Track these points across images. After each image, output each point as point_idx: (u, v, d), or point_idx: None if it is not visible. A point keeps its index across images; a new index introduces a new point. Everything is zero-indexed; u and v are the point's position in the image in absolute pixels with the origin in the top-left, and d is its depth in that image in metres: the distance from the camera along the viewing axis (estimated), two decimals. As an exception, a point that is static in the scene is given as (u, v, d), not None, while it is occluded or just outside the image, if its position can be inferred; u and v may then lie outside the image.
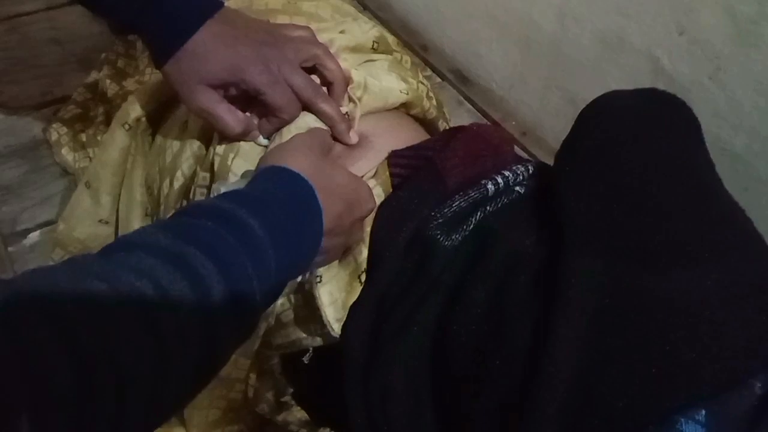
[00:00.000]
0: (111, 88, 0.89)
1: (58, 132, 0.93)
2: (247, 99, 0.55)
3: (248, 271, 0.37)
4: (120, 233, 0.68)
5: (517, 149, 1.03)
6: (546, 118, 1.02)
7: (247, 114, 0.57)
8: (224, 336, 0.38)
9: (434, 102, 0.68)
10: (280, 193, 0.43)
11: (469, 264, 0.50)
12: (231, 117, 0.54)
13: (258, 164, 0.46)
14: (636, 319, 0.43)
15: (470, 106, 1.10)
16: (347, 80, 0.57)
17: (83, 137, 0.91)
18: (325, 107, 0.55)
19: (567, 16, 0.91)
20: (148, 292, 0.33)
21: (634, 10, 0.82)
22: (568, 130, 0.95)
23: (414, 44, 1.20)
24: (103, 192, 0.70)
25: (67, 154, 0.91)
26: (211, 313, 0.36)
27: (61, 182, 0.92)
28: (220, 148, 0.56)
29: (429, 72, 1.16)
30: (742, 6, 0.68)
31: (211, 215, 0.39)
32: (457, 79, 1.14)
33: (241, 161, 0.54)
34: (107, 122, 0.91)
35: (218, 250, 0.36)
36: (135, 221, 0.67)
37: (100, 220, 0.72)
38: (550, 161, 0.99)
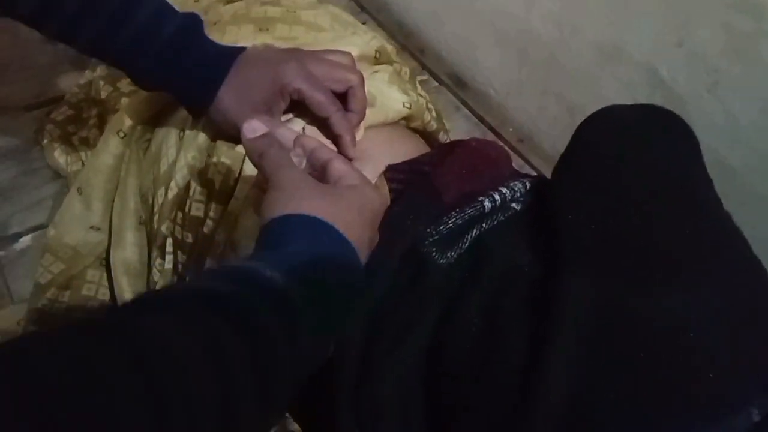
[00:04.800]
0: (105, 89, 0.88)
1: (50, 134, 0.92)
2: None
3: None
4: (113, 242, 0.68)
5: (513, 156, 1.03)
6: (543, 126, 1.02)
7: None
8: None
9: (434, 113, 0.67)
10: (318, 256, 0.39)
11: (464, 282, 0.50)
12: (289, 134, 0.54)
13: (263, 208, 0.43)
14: (628, 342, 0.42)
15: (467, 112, 1.10)
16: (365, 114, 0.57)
17: (75, 140, 0.90)
18: (340, 118, 0.55)
19: (565, 25, 0.91)
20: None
21: (633, 21, 0.81)
22: (566, 139, 0.95)
23: (411, 47, 1.19)
24: (95, 198, 0.69)
25: (59, 157, 0.90)
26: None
27: (52, 185, 0.91)
28: (222, 167, 0.56)
29: (426, 76, 1.15)
30: (739, 22, 0.68)
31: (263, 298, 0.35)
32: (455, 83, 1.13)
33: (244, 185, 0.54)
34: (100, 124, 0.90)
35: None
36: (128, 230, 0.66)
37: (91, 227, 0.71)
38: (547, 169, 1.01)
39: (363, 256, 0.42)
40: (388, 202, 0.46)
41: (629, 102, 0.85)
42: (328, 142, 0.57)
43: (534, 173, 1.00)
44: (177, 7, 0.56)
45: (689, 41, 0.75)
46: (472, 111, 1.09)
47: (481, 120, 1.08)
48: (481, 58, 1.10)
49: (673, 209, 0.47)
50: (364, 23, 1.24)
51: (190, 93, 0.55)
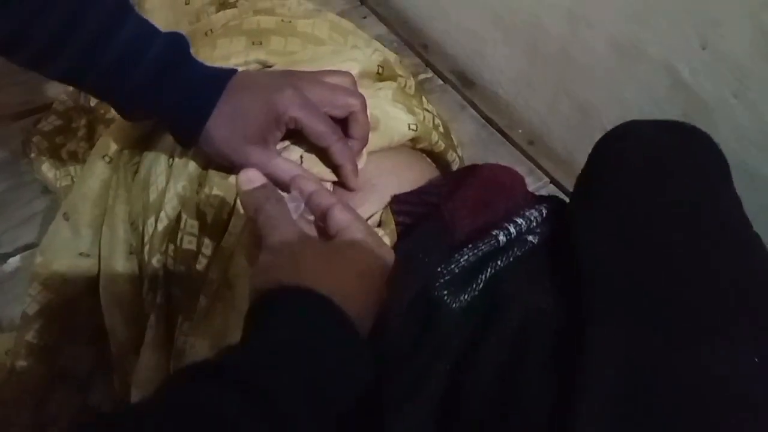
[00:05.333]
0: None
1: (38, 146, 0.88)
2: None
3: None
4: (103, 272, 0.63)
5: (523, 159, 0.98)
6: (555, 127, 0.97)
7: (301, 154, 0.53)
8: None
9: (441, 128, 0.63)
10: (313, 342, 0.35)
11: (479, 329, 0.46)
12: (285, 166, 0.50)
13: (254, 273, 0.38)
14: (668, 404, 0.38)
15: (474, 112, 1.04)
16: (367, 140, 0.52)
17: (64, 153, 0.86)
18: (341, 148, 0.50)
19: (579, 21, 0.86)
20: None
21: (652, 18, 0.76)
22: (579, 140, 0.90)
23: (414, 43, 1.14)
24: (83, 225, 0.65)
25: (47, 171, 0.85)
26: None
27: (43, 200, 0.87)
28: (214, 199, 0.51)
29: (430, 74, 1.10)
30: (774, 22, 0.63)
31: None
32: (460, 81, 1.08)
33: (238, 220, 0.49)
34: (89, 135, 0.86)
35: None
36: (119, 261, 0.62)
37: (80, 253, 0.67)
38: (559, 172, 0.96)
39: (367, 322, 0.38)
40: (393, 258, 0.42)
41: (648, 104, 0.81)
42: (327, 171, 0.52)
43: (546, 178, 0.95)
44: (159, 27, 0.52)
45: (715, 41, 0.70)
46: (478, 111, 1.04)
47: (489, 121, 1.02)
48: (489, 54, 1.05)
49: (709, 247, 0.42)
50: (364, 18, 1.19)
51: (177, 123, 0.50)
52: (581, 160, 0.79)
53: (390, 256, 0.41)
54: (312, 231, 0.43)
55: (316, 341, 0.33)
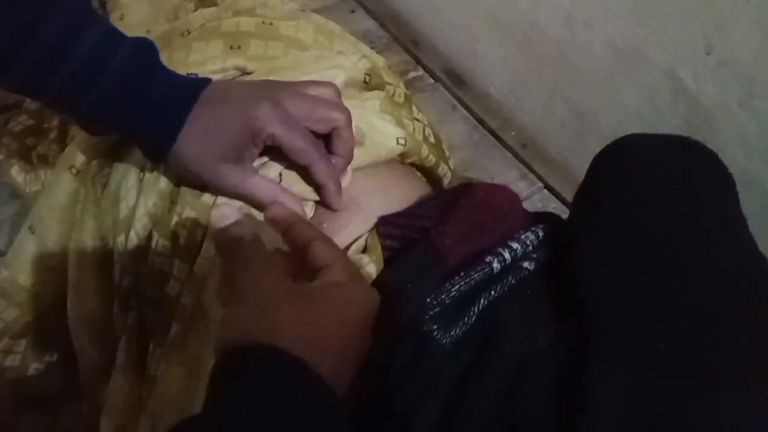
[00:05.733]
0: (65, 97, 0.79)
1: (7, 148, 0.83)
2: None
3: None
4: (71, 290, 0.59)
5: (516, 163, 0.94)
6: (549, 130, 0.93)
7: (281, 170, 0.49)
8: None
9: (432, 140, 0.59)
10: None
11: (472, 366, 0.43)
12: (263, 186, 0.46)
13: (224, 324, 0.35)
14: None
15: (465, 112, 1.01)
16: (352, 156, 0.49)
17: (34, 156, 0.81)
18: (323, 166, 0.47)
19: (577, 21, 0.82)
20: None
21: (655, 21, 0.72)
22: (575, 146, 0.87)
23: (404, 39, 1.10)
24: (50, 239, 0.61)
25: (17, 175, 0.81)
26: None
27: (11, 206, 0.82)
28: (186, 220, 0.47)
29: (420, 72, 1.06)
30: (784, 29, 0.60)
31: None
32: (452, 80, 1.04)
33: (211, 243, 0.45)
34: (61, 137, 0.82)
35: None
36: (88, 279, 0.58)
37: (48, 268, 0.63)
38: (553, 177, 0.93)
39: (346, 375, 0.34)
40: (378, 302, 0.38)
41: (648, 110, 0.78)
42: (309, 190, 0.49)
43: (539, 183, 0.92)
44: (136, 22, 0.48)
45: (720, 47, 0.67)
46: (470, 111, 1.00)
47: (481, 121, 0.99)
48: (482, 53, 1.01)
49: (724, 288, 0.39)
50: (352, 12, 1.14)
51: (144, 139, 0.46)
52: (576, 165, 0.76)
53: (375, 300, 0.38)
54: (288, 265, 0.40)
55: (282, 417, 0.29)
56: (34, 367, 0.67)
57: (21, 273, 0.64)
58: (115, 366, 0.57)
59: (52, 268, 0.64)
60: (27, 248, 0.63)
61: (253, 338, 0.31)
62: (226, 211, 0.39)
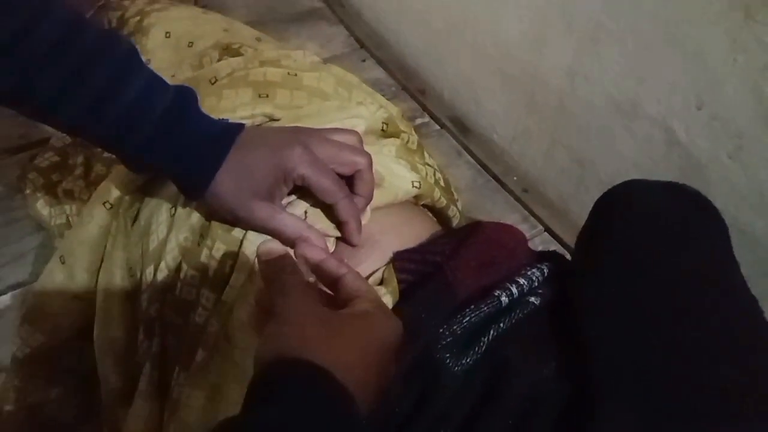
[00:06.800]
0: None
1: (33, 183, 0.87)
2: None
3: None
4: (98, 318, 0.62)
5: (517, 206, 0.99)
6: (550, 176, 0.98)
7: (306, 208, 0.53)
8: None
9: (442, 184, 0.63)
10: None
11: (481, 395, 0.46)
12: (290, 222, 0.50)
13: (261, 340, 0.38)
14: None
15: (469, 158, 1.06)
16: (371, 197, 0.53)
17: (60, 191, 0.85)
18: (347, 205, 0.51)
19: (577, 75, 0.87)
20: None
21: (650, 77, 0.77)
22: (574, 192, 0.91)
23: (412, 88, 1.15)
24: (79, 269, 0.64)
25: (42, 209, 0.85)
26: None
27: (35, 238, 0.86)
28: (216, 252, 0.51)
29: (427, 118, 1.11)
30: (770, 88, 0.64)
31: None
32: (457, 128, 1.09)
33: (240, 274, 0.49)
34: (86, 173, 0.86)
35: None
36: (115, 307, 0.61)
37: (74, 297, 0.66)
38: (553, 220, 0.97)
39: (369, 395, 0.37)
40: (402, 331, 0.41)
41: (644, 160, 0.83)
42: (331, 227, 0.52)
43: (540, 226, 0.96)
44: (160, 67, 0.52)
45: (711, 103, 0.71)
46: (474, 157, 1.05)
47: (485, 167, 1.03)
48: (485, 102, 1.06)
49: (722, 328, 0.42)
50: (363, 61, 1.20)
51: (184, 177, 0.50)
52: (576, 209, 0.80)
53: (399, 330, 0.41)
54: (321, 295, 0.43)
55: (310, 421, 0.32)
56: (53, 393, 0.69)
57: (48, 301, 0.67)
58: (138, 391, 0.59)
59: (78, 297, 0.66)
60: (56, 278, 0.66)
61: (287, 352, 0.35)
62: (272, 246, 0.43)
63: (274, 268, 0.42)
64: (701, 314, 0.43)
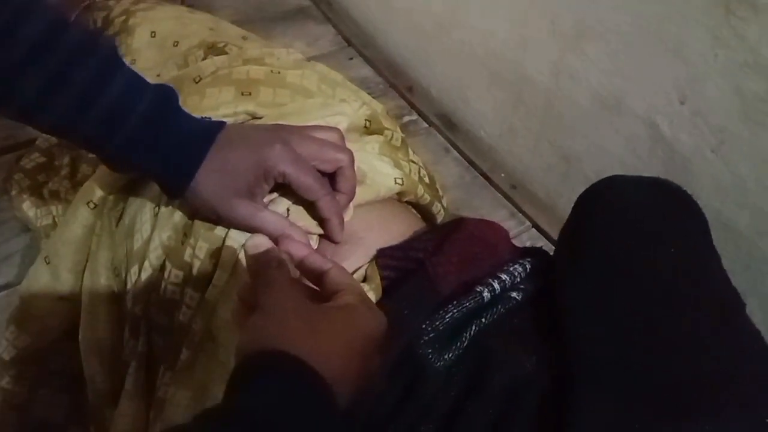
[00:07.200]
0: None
1: (19, 184, 0.87)
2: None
3: None
4: (84, 319, 0.62)
5: (505, 203, 0.99)
6: (537, 172, 0.98)
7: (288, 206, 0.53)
8: None
9: (427, 180, 0.63)
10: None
11: (464, 389, 0.46)
12: (272, 219, 0.50)
13: (244, 330, 0.39)
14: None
15: (457, 155, 1.06)
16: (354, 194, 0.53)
17: (46, 192, 0.85)
18: (329, 202, 0.51)
19: (562, 72, 0.88)
20: None
21: (634, 74, 0.78)
22: (561, 188, 0.91)
23: (399, 85, 1.15)
24: (64, 269, 0.64)
25: (28, 210, 0.85)
26: None
27: (21, 239, 0.86)
28: (199, 251, 0.51)
29: (415, 116, 1.12)
30: (750, 83, 0.65)
31: None
32: (444, 125, 1.09)
33: (223, 273, 0.49)
34: (72, 174, 0.85)
35: None
36: (100, 307, 0.61)
37: (60, 297, 0.66)
38: (540, 216, 0.97)
39: (349, 387, 0.37)
40: (385, 325, 0.42)
41: (629, 156, 0.83)
42: (314, 224, 0.53)
43: (527, 222, 0.96)
44: (146, 66, 0.52)
45: (694, 99, 0.72)
46: (462, 154, 1.05)
47: (472, 163, 1.04)
48: (473, 99, 1.06)
49: (700, 320, 0.43)
50: (350, 59, 1.20)
51: (165, 176, 0.50)
52: (563, 206, 0.80)
53: (383, 323, 0.42)
54: (306, 290, 0.44)
55: (289, 411, 0.33)
56: (40, 394, 0.69)
57: (34, 302, 0.67)
58: (124, 390, 0.59)
59: (64, 298, 0.66)
60: (41, 279, 0.66)
61: (268, 344, 0.35)
62: (259, 240, 0.43)
63: (260, 263, 0.42)
64: (680, 308, 0.44)
